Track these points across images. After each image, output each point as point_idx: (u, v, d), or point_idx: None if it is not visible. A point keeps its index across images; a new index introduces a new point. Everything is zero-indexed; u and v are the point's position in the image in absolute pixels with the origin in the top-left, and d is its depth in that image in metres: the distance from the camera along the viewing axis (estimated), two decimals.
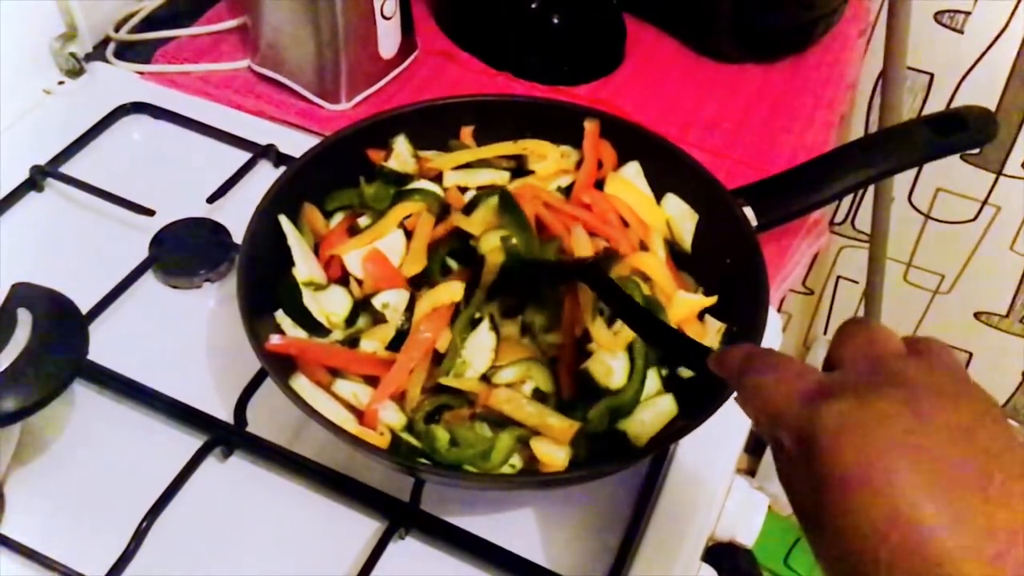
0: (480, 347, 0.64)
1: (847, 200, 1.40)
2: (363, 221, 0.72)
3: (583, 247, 0.68)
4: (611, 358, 0.63)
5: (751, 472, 1.76)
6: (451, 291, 0.65)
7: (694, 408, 0.61)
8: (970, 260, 1.38)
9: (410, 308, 0.66)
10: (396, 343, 0.65)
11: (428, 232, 0.70)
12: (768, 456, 1.72)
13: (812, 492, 0.37)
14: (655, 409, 0.63)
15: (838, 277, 1.50)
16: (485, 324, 0.64)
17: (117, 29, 0.97)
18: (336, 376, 0.64)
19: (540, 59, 0.96)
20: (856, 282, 1.48)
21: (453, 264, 0.70)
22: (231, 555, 0.62)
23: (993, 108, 1.20)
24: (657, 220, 0.73)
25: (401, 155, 0.74)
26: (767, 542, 1.67)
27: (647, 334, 0.60)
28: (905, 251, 1.41)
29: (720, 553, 0.72)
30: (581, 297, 0.65)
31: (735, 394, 0.44)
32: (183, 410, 0.67)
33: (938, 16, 1.16)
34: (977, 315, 1.43)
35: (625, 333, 0.64)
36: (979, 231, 1.34)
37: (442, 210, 0.72)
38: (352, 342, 0.65)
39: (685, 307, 0.68)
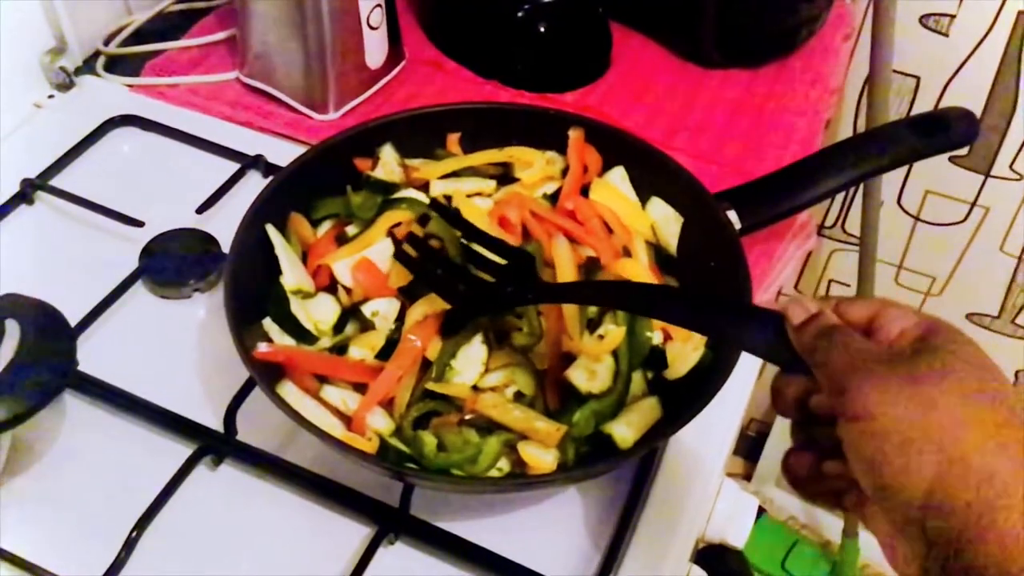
0: (471, 359, 0.64)
1: (836, 203, 1.40)
2: (351, 230, 0.72)
3: (565, 258, 0.69)
4: (594, 363, 0.63)
5: (747, 477, 1.76)
6: (434, 302, 0.65)
7: (679, 410, 0.61)
8: (960, 262, 1.39)
9: (400, 317, 0.66)
10: (385, 350, 0.65)
11: None
12: (764, 460, 1.72)
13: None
14: (640, 411, 0.63)
15: (830, 280, 1.51)
16: (479, 337, 0.65)
17: (107, 43, 0.98)
18: (324, 383, 0.64)
19: (527, 67, 0.96)
20: (848, 285, 1.49)
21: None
22: (222, 563, 0.62)
23: (979, 110, 1.21)
24: (642, 224, 0.74)
25: (388, 164, 0.75)
26: (764, 546, 1.68)
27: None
28: (896, 254, 1.42)
29: (711, 555, 0.72)
30: (565, 310, 0.65)
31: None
32: (173, 419, 0.67)
33: (923, 19, 1.17)
34: (969, 316, 1.44)
35: (610, 339, 0.65)
36: (969, 233, 1.34)
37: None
38: (340, 349, 0.66)
39: None
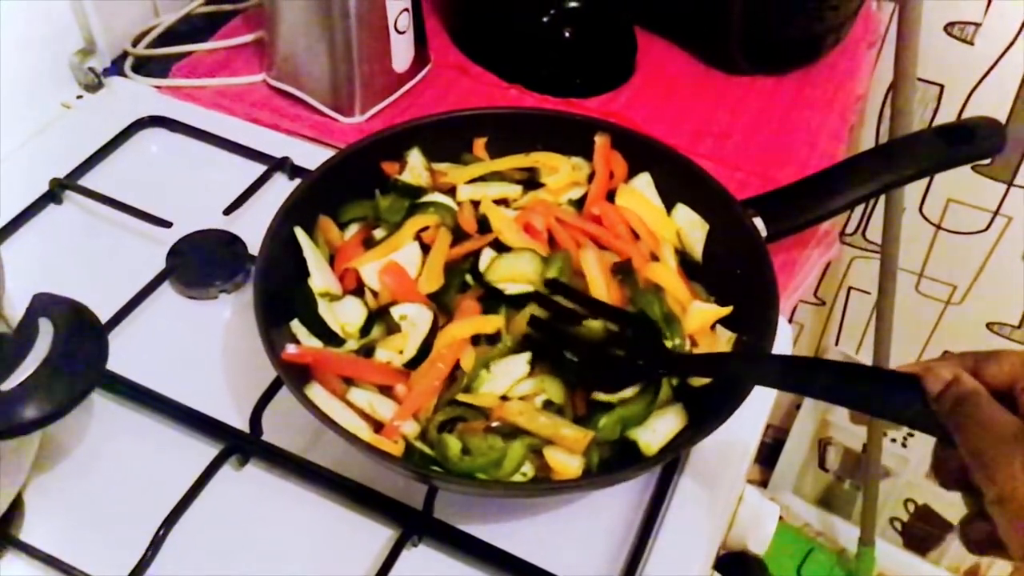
0: (507, 373, 0.64)
1: (858, 211, 1.40)
2: (378, 233, 0.72)
3: (594, 267, 0.69)
4: None
5: (763, 483, 1.76)
6: (476, 325, 0.66)
7: (704, 417, 0.61)
8: (982, 271, 1.38)
9: (432, 326, 0.66)
10: (416, 358, 0.65)
11: (445, 249, 0.70)
12: (780, 467, 1.72)
13: None
14: (665, 418, 0.63)
15: (849, 288, 1.51)
16: (523, 357, 0.65)
17: (135, 44, 0.98)
18: (351, 385, 0.64)
19: (552, 72, 0.97)
20: (868, 293, 1.48)
21: (470, 279, 0.70)
22: (246, 562, 0.62)
23: (1004, 119, 1.20)
24: (668, 231, 0.74)
25: (415, 168, 0.75)
26: (780, 552, 1.68)
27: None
28: (917, 262, 1.41)
29: (732, 562, 0.73)
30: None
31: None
32: (200, 419, 0.68)
33: (948, 28, 1.17)
34: (989, 326, 1.43)
35: None
36: (991, 241, 1.34)
37: (457, 226, 0.72)
38: (366, 352, 0.66)
39: (700, 317, 0.68)
